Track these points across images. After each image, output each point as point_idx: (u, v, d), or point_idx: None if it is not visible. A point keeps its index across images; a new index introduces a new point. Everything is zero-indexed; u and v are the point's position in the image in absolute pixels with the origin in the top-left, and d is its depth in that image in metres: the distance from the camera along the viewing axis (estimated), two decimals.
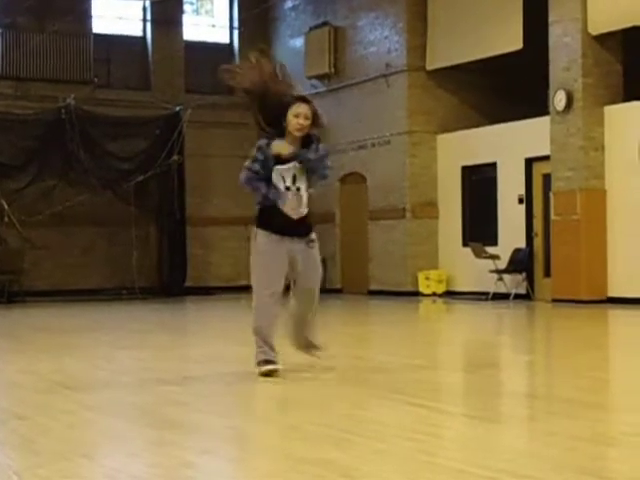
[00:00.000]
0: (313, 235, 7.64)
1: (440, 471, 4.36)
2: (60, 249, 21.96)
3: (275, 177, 7.41)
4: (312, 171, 7.48)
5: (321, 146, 7.51)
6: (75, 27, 22.22)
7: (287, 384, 7.37)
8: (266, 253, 7.49)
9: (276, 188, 7.40)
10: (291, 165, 7.42)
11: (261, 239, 7.50)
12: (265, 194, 7.42)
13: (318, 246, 7.67)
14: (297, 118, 7.40)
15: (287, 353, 7.91)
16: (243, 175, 7.47)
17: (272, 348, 7.52)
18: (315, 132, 7.58)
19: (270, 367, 7.44)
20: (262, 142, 7.48)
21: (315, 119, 7.50)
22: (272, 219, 7.45)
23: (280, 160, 7.39)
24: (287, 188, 7.42)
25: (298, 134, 7.42)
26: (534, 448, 4.93)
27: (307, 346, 7.93)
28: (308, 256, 7.59)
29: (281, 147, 7.38)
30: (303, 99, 7.56)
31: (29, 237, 21.22)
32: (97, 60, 22.60)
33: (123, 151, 22.41)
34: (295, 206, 7.43)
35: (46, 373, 8.23)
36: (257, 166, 7.41)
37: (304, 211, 7.50)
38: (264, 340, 7.49)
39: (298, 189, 7.44)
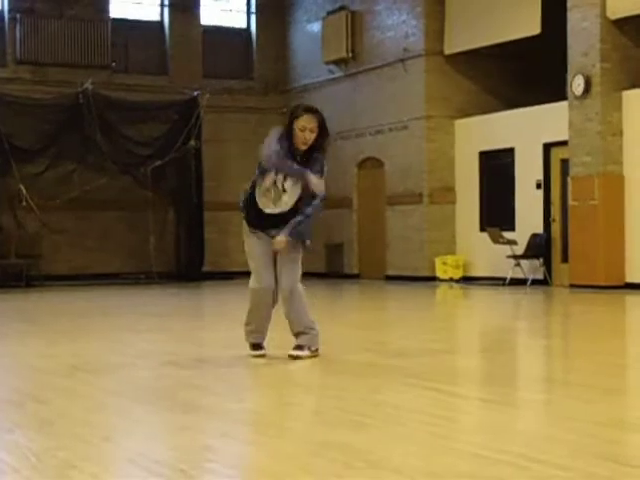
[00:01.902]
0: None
1: (457, 455, 4.37)
2: (78, 233, 22.03)
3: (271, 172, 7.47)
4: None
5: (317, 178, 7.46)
6: (93, 12, 22.25)
7: (304, 368, 7.40)
8: (251, 245, 7.69)
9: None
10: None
11: (244, 230, 7.74)
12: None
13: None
14: (303, 132, 7.42)
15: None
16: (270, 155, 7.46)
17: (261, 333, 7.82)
18: (322, 151, 7.55)
19: (257, 352, 7.78)
20: (280, 132, 7.51)
21: (322, 130, 7.49)
22: (250, 212, 7.63)
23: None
24: (274, 182, 7.46)
25: (303, 147, 7.45)
26: (552, 433, 4.94)
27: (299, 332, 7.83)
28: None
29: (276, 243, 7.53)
30: (311, 110, 7.57)
31: (47, 221, 21.29)
32: (115, 45, 22.59)
33: (141, 136, 22.43)
34: (270, 203, 7.50)
35: (64, 357, 8.28)
36: (275, 147, 7.44)
37: (278, 210, 7.51)
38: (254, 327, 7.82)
39: (284, 190, 7.47)
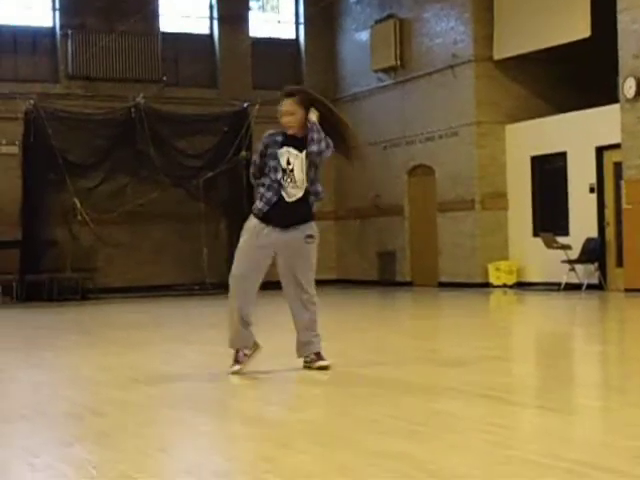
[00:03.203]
0: (312, 230, 7.66)
1: (517, 463, 4.34)
2: (132, 246, 22.22)
3: (274, 162, 7.52)
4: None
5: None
6: (143, 26, 22.44)
7: (359, 377, 7.39)
8: (249, 241, 7.64)
9: (270, 190, 7.52)
10: (284, 150, 7.52)
11: (250, 224, 7.66)
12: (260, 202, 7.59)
13: (316, 244, 7.69)
14: (281, 118, 7.59)
15: (350, 348, 7.92)
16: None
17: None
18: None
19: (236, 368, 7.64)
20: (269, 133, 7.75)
21: (307, 102, 7.51)
22: (268, 209, 7.54)
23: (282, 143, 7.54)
24: (283, 170, 7.50)
25: (290, 132, 7.54)
26: (611, 439, 4.89)
27: (305, 353, 7.79)
28: (301, 249, 7.63)
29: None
30: (285, 92, 7.66)
31: (101, 235, 21.50)
32: (165, 59, 22.79)
33: (192, 148, 22.61)
34: (290, 192, 7.52)
35: (119, 368, 8.35)
36: (255, 157, 7.71)
37: (298, 194, 7.52)
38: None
39: (292, 170, 7.49)
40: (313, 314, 7.73)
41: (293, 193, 7.52)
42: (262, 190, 7.59)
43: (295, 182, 7.51)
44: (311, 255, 7.69)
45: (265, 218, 7.56)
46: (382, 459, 4.47)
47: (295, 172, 7.49)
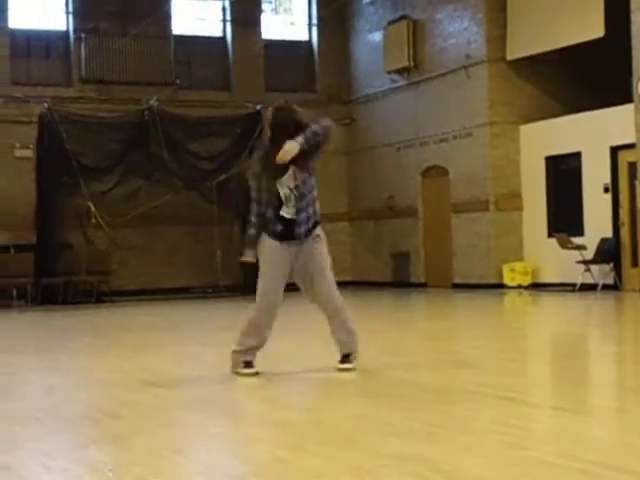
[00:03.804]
0: (318, 230, 7.65)
1: (532, 464, 4.33)
2: (146, 249, 22.23)
3: (280, 190, 7.48)
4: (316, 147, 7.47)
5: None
6: (156, 29, 22.45)
7: (373, 379, 7.39)
8: (267, 260, 7.63)
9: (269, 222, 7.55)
10: (287, 175, 7.47)
11: (264, 243, 7.64)
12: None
13: (325, 242, 7.68)
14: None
15: (365, 349, 7.90)
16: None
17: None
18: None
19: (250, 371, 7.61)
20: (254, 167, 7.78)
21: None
22: (272, 226, 7.57)
23: (278, 173, 7.46)
24: (286, 196, 7.47)
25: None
26: (627, 440, 4.87)
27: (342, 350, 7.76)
28: (313, 250, 7.62)
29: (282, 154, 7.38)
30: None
31: (115, 238, 21.52)
32: (178, 62, 22.81)
33: (205, 151, 22.60)
34: (290, 210, 7.51)
35: (135, 371, 8.36)
36: (254, 194, 7.62)
37: (294, 208, 7.50)
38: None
39: (297, 187, 7.48)
40: (334, 311, 7.67)
41: (293, 211, 7.50)
42: (264, 213, 7.60)
43: (292, 202, 7.49)
44: (322, 249, 7.66)
45: (277, 236, 7.56)
46: (397, 461, 4.46)
47: (299, 190, 7.48)
